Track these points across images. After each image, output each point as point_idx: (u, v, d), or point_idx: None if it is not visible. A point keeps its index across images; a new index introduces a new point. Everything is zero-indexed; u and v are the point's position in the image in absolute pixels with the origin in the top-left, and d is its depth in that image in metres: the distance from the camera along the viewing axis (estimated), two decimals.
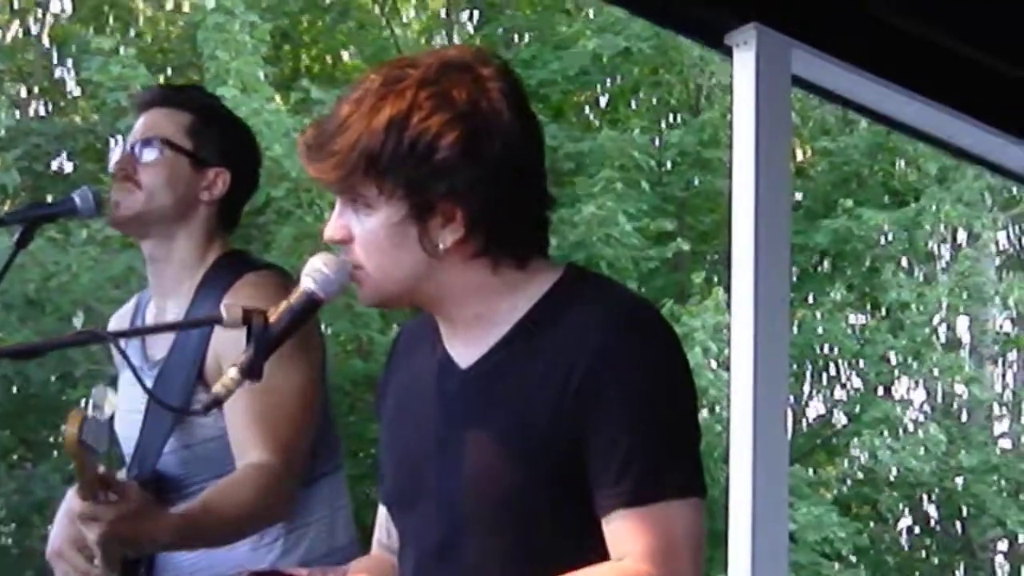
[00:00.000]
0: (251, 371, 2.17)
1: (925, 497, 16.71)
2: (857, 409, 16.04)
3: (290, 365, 2.83)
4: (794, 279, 15.42)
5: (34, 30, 16.47)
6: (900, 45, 3.98)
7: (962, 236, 17.24)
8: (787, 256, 3.79)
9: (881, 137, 15.71)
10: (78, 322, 12.30)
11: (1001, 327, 17.66)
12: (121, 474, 3.05)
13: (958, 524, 17.03)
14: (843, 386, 17.21)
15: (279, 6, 15.78)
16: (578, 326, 2.13)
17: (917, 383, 16.90)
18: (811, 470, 15.51)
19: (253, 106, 12.83)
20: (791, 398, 15.69)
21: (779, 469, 3.62)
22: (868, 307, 16.56)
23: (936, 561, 17.45)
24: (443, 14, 17.26)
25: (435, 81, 2.12)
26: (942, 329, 17.00)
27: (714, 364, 13.39)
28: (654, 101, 16.64)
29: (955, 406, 17.23)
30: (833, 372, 17.15)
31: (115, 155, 3.16)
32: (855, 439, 15.47)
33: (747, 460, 3.51)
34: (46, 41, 16.39)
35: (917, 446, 15.12)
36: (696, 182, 16.05)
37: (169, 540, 2.76)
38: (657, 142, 15.89)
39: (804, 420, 17.09)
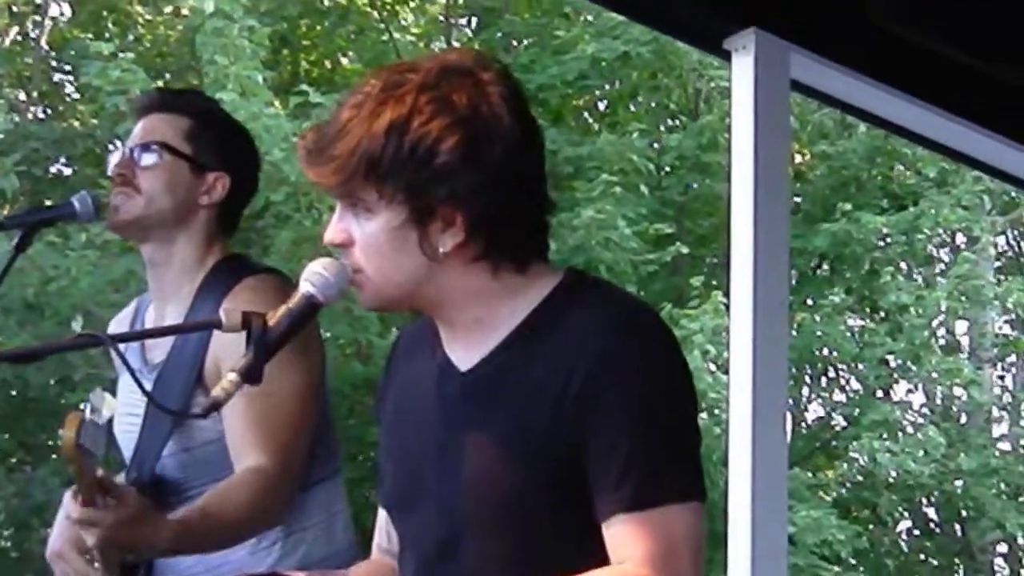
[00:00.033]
0: (250, 375, 2.17)
1: (924, 500, 16.71)
2: (856, 412, 16.03)
3: (289, 369, 2.83)
4: (793, 282, 15.42)
5: (33, 34, 16.48)
6: (899, 49, 3.98)
7: (961, 239, 17.24)
8: (786, 259, 3.79)
9: (880, 141, 15.71)
10: (77, 326, 12.27)
11: (1000, 330, 17.66)
12: (120, 477, 3.05)
13: (957, 527, 17.03)
14: (842, 389, 17.21)
15: (278, 10, 15.77)
16: (578, 330, 2.13)
17: (916, 386, 16.89)
18: (810, 473, 15.51)
19: (252, 110, 12.83)
20: (790, 401, 15.68)
21: (778, 472, 3.62)
22: (867, 310, 16.55)
23: (935, 564, 17.44)
24: (442, 19, 17.26)
25: (435, 85, 2.12)
26: (941, 332, 17.00)
27: (713, 367, 13.38)
28: (653, 105, 16.63)
29: (954, 409, 17.23)
30: (832, 375, 17.16)
31: (114, 159, 3.16)
32: (854, 442, 15.45)
33: (746, 463, 3.51)
34: (45, 45, 16.39)
35: (916, 449, 15.11)
36: (695, 186, 16.05)
37: (167, 546, 2.77)
38: (656, 146, 15.89)
39: (803, 423, 17.09)
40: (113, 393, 2.75)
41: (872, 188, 16.42)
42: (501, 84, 2.15)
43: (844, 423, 16.52)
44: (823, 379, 17.18)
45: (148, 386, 2.97)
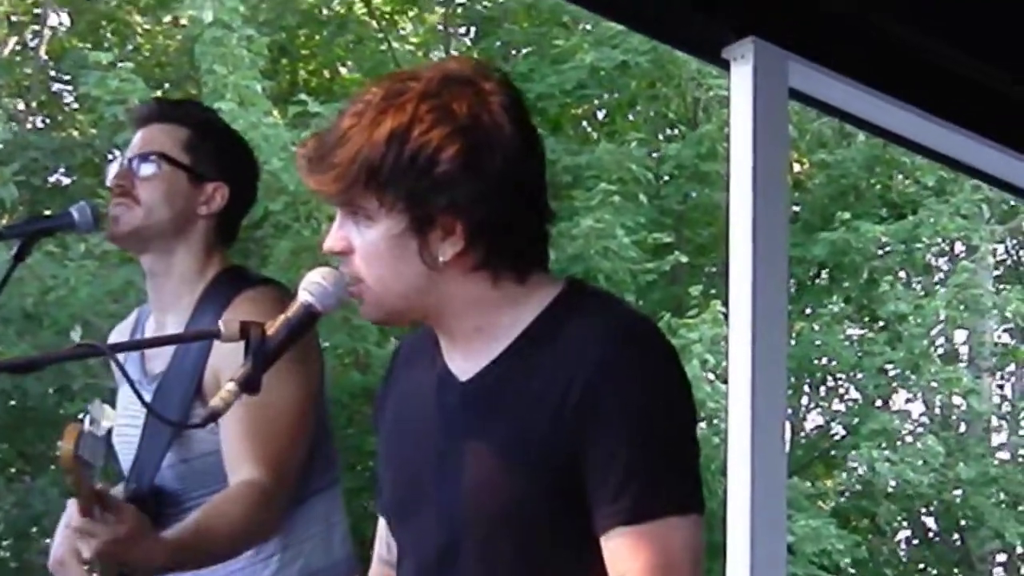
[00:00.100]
0: (248, 384, 2.17)
1: (923, 509, 16.71)
2: (855, 421, 16.03)
3: (287, 379, 2.83)
4: (792, 291, 15.43)
5: (32, 44, 16.49)
6: (898, 58, 3.98)
7: (960, 248, 17.25)
8: (785, 268, 3.79)
9: (878, 150, 15.73)
10: (76, 336, 12.27)
11: (999, 339, 17.66)
12: (119, 488, 3.05)
13: (956, 536, 17.02)
14: (841, 398, 17.21)
15: (277, 20, 15.79)
16: (577, 340, 2.13)
17: (915, 395, 16.89)
18: (809, 482, 15.50)
19: (251, 120, 12.84)
20: (789, 410, 15.67)
21: (777, 481, 3.61)
22: (866, 319, 16.56)
23: (934, 573, 17.44)
24: (440, 28, 17.28)
25: (436, 94, 2.12)
26: (940, 341, 16.99)
27: (712, 376, 13.39)
28: (651, 114, 16.66)
29: (953, 418, 17.23)
30: (831, 384, 17.16)
31: (112, 170, 3.16)
32: (853, 451, 15.46)
33: (745, 472, 3.51)
34: (44, 55, 16.40)
35: (915, 458, 15.11)
36: (694, 195, 16.06)
37: (163, 563, 2.75)
38: (655, 155, 15.90)
39: (802, 432, 17.09)
40: (112, 404, 2.75)
41: (871, 197, 16.44)
42: (502, 93, 2.15)
43: (843, 432, 16.53)
44: (822, 388, 17.18)
45: (148, 397, 2.96)
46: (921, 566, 17.55)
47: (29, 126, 16.07)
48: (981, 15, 4.00)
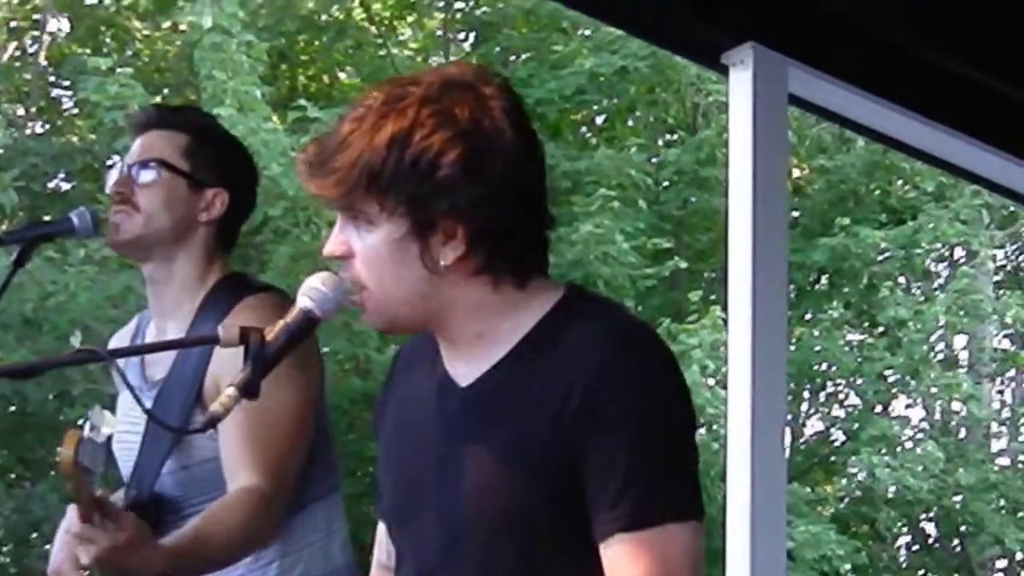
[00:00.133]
0: (248, 389, 2.17)
1: (923, 515, 16.70)
2: (855, 427, 16.03)
3: (286, 384, 2.83)
4: (791, 297, 15.43)
5: (31, 50, 16.50)
6: (897, 63, 3.98)
7: (960, 254, 17.25)
8: (784, 274, 3.79)
9: (878, 155, 15.73)
10: (76, 341, 12.27)
11: (999, 345, 17.67)
12: (119, 495, 3.04)
13: (956, 542, 17.01)
14: (841, 404, 17.20)
15: (276, 26, 15.81)
16: (577, 346, 2.13)
17: (915, 401, 16.89)
18: (809, 488, 15.51)
19: (250, 126, 12.85)
20: (789, 416, 15.67)
21: (777, 487, 3.61)
22: (866, 325, 16.56)
23: None
24: (440, 34, 17.29)
25: (437, 99, 2.12)
26: (940, 347, 17.00)
27: (711, 382, 13.39)
28: (651, 120, 16.66)
29: (953, 424, 17.22)
30: (831, 390, 17.15)
31: (112, 177, 3.15)
32: (853, 457, 15.46)
33: (745, 478, 3.51)
34: (43, 61, 16.42)
35: (915, 464, 15.11)
36: (693, 200, 16.06)
37: (162, 570, 2.74)
38: (654, 161, 15.91)
39: (802, 438, 17.08)
40: (112, 409, 2.74)
41: (870, 202, 16.45)
42: (502, 98, 2.15)
43: (843, 438, 16.53)
44: (822, 394, 17.17)
45: (148, 403, 2.96)
46: (921, 572, 17.54)
47: (29, 131, 16.09)
48: (980, 21, 4.00)
